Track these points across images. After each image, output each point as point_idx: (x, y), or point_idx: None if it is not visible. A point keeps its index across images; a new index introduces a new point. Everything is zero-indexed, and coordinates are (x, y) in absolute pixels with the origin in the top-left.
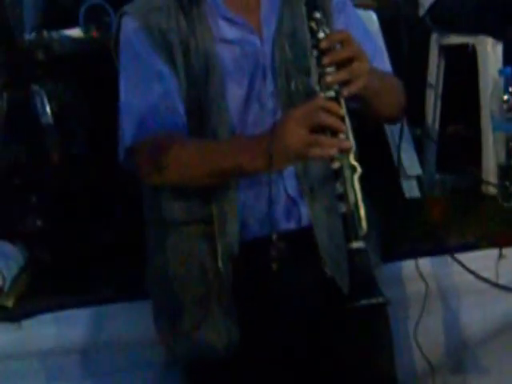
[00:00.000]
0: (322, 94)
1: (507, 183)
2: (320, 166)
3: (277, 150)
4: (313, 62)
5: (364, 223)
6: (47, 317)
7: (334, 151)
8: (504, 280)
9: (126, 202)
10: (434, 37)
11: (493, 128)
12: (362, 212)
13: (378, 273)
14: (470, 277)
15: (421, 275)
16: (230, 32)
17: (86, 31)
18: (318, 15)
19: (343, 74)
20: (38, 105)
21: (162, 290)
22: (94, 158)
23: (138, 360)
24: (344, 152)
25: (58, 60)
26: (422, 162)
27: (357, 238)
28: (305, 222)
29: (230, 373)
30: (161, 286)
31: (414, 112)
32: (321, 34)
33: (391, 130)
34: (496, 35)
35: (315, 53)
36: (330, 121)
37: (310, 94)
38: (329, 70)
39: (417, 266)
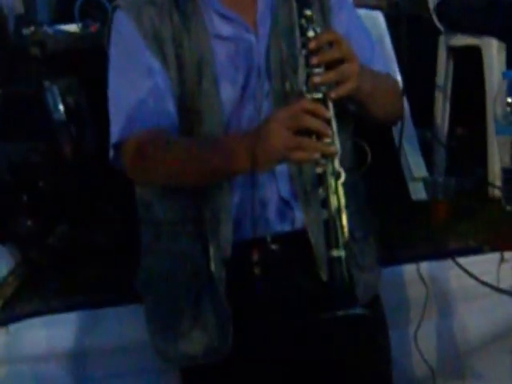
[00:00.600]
0: (308, 96)
1: (511, 186)
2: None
3: (260, 151)
4: (301, 62)
5: (346, 231)
6: (36, 321)
7: (317, 155)
8: (505, 284)
9: (123, 202)
10: (443, 38)
11: (496, 131)
12: (345, 219)
13: (375, 276)
14: (472, 281)
15: (422, 279)
16: (224, 29)
17: (82, 27)
18: (308, 12)
19: (332, 76)
20: (50, 101)
21: (153, 292)
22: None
23: (129, 365)
24: (328, 157)
25: (53, 56)
26: (431, 165)
27: (337, 246)
28: (299, 224)
29: (222, 376)
30: (152, 287)
31: (422, 113)
32: (310, 33)
33: (398, 132)
34: (502, 36)
35: (304, 52)
36: (315, 124)
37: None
38: (317, 70)
39: (418, 270)
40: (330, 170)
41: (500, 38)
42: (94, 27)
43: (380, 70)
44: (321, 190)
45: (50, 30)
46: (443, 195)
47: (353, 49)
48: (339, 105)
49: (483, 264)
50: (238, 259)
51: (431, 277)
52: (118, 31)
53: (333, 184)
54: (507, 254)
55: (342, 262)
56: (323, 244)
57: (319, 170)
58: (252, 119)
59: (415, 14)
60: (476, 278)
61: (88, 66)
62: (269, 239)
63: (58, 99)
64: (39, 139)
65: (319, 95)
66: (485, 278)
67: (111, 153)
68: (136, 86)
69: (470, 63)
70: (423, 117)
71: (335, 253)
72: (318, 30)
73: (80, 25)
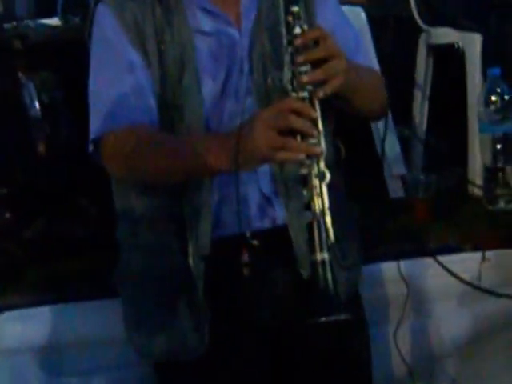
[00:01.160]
0: (293, 95)
1: (493, 185)
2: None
3: (243, 151)
4: (286, 60)
5: (331, 233)
6: (11, 314)
7: (301, 156)
8: (487, 283)
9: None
10: (423, 36)
11: (479, 130)
12: (329, 221)
13: (356, 274)
14: (453, 280)
15: (402, 277)
16: (207, 24)
17: (64, 20)
18: (295, 9)
19: (318, 74)
20: (27, 97)
21: (130, 288)
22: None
23: (106, 359)
24: (313, 157)
25: (34, 49)
26: (408, 162)
27: (322, 250)
28: (279, 221)
29: (197, 372)
30: (130, 283)
31: (401, 111)
32: (297, 30)
33: (377, 129)
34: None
35: (290, 49)
36: (300, 124)
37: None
38: (303, 68)
39: (398, 268)
40: (314, 170)
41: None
42: (74, 21)
43: (364, 64)
44: (305, 192)
45: (31, 23)
46: (423, 193)
47: (339, 45)
48: (324, 101)
49: (464, 263)
50: (217, 256)
51: (411, 275)
52: (100, 25)
53: (317, 185)
54: (488, 253)
55: (326, 265)
56: (304, 241)
57: (304, 170)
58: (233, 115)
59: (396, 11)
60: (457, 277)
61: (69, 59)
62: (248, 235)
63: (35, 96)
64: (14, 135)
65: (305, 94)
66: (466, 277)
67: (90, 147)
68: (117, 81)
69: (450, 61)
70: (402, 115)
71: (319, 256)
72: (305, 26)
73: (62, 19)
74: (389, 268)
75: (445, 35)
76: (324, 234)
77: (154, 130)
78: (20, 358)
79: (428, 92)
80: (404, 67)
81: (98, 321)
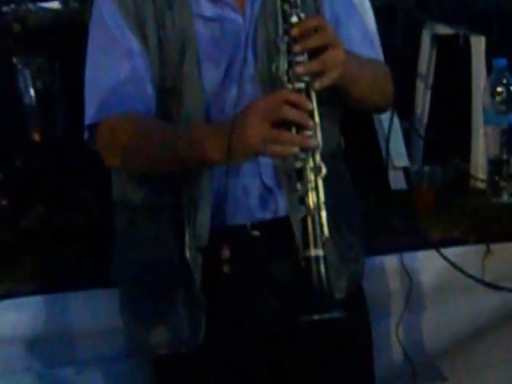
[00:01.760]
0: (289, 86)
1: (497, 178)
2: None
3: (235, 143)
4: (282, 49)
5: (325, 229)
6: (7, 303)
7: (295, 149)
8: (491, 277)
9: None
10: (427, 26)
11: (484, 121)
12: (324, 217)
13: (359, 268)
14: (456, 273)
15: (405, 270)
16: (210, 9)
17: (64, 3)
18: None
19: (315, 65)
20: (21, 84)
21: (127, 279)
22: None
23: (101, 351)
24: (308, 150)
25: (34, 32)
26: (410, 154)
27: (316, 246)
28: (281, 212)
29: (193, 366)
30: (127, 274)
31: (404, 103)
32: (294, 19)
33: (380, 120)
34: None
35: (286, 39)
36: (295, 116)
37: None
38: (300, 58)
39: (401, 261)
40: (310, 164)
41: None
42: (74, 3)
43: (371, 56)
44: (299, 186)
45: (32, 7)
46: (427, 185)
47: (341, 35)
48: (325, 90)
49: (468, 256)
50: (214, 247)
51: (414, 268)
52: (99, 9)
53: (312, 179)
54: (493, 246)
55: (320, 261)
56: None
57: (298, 164)
58: (236, 103)
59: (399, 1)
60: (460, 270)
61: (69, 43)
62: (249, 225)
63: (30, 83)
64: (9, 122)
65: (301, 85)
66: (470, 270)
67: (86, 134)
68: (114, 67)
69: (454, 52)
70: (404, 106)
71: (313, 252)
72: (302, 15)
73: (62, 2)
74: (391, 260)
75: (448, 26)
76: (318, 230)
77: (149, 119)
78: (13, 347)
79: (431, 83)
80: (407, 57)
81: (93, 311)
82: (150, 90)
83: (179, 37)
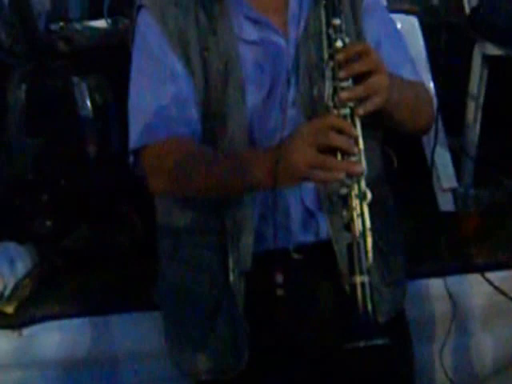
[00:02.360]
0: (334, 111)
1: None
2: None
3: (282, 168)
4: (327, 75)
5: (370, 255)
6: (50, 325)
7: (341, 175)
8: None
9: (143, 205)
10: (478, 46)
11: None
12: (369, 243)
13: (400, 292)
14: (501, 297)
15: (449, 294)
16: (253, 32)
17: (111, 23)
18: (336, 22)
19: (360, 91)
20: (78, 97)
21: (171, 302)
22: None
23: (144, 373)
24: (354, 176)
25: (80, 51)
26: (459, 175)
27: (361, 272)
28: (323, 234)
29: None
30: (170, 297)
31: (453, 123)
32: (339, 44)
33: (429, 140)
34: None
35: (331, 64)
36: (341, 142)
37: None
38: (344, 84)
39: (445, 285)
40: (355, 190)
41: None
42: (123, 24)
43: (411, 78)
44: (345, 212)
45: (78, 26)
46: (473, 207)
47: (382, 60)
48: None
49: None
50: (258, 271)
51: (458, 292)
52: (142, 32)
53: (358, 206)
54: None
55: (366, 288)
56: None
57: (343, 190)
58: (278, 126)
59: (451, 20)
60: (505, 295)
61: (115, 63)
62: (291, 249)
63: (87, 96)
64: (65, 136)
65: (346, 111)
66: None
67: (131, 158)
68: (158, 91)
69: (505, 72)
70: (454, 126)
71: (358, 279)
72: (347, 40)
73: (109, 21)
74: (435, 284)
75: (500, 46)
76: (364, 257)
77: (195, 143)
78: (57, 370)
79: (481, 103)
80: (458, 77)
81: (136, 334)
82: (194, 112)
83: (223, 60)
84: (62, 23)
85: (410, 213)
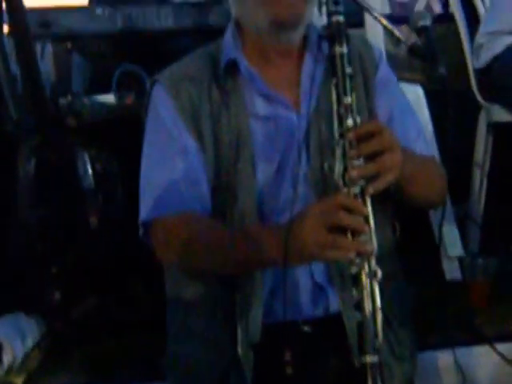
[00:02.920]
0: (345, 190)
1: None
2: None
3: (292, 247)
4: (338, 153)
5: (380, 335)
6: None
7: (351, 254)
8: None
9: (151, 277)
10: (483, 113)
11: None
12: (379, 322)
13: (409, 368)
14: (511, 369)
15: (458, 366)
16: (265, 108)
17: (119, 97)
18: (347, 101)
19: (370, 169)
20: (81, 167)
21: (178, 373)
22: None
23: None
24: (364, 255)
25: (89, 126)
26: (465, 243)
27: (371, 352)
28: (333, 308)
29: None
30: (178, 367)
31: (458, 189)
32: (349, 122)
33: (435, 209)
34: None
35: (341, 142)
36: (351, 221)
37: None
38: (355, 162)
39: (454, 356)
40: (365, 269)
41: None
42: (129, 98)
43: (423, 153)
44: (355, 291)
45: (86, 101)
46: (481, 277)
47: (395, 137)
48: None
49: None
50: (267, 344)
51: (468, 364)
52: (156, 107)
53: (368, 285)
54: None
55: (376, 368)
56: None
57: (354, 269)
58: (289, 201)
59: (456, 87)
60: None
61: (121, 136)
62: (300, 322)
63: (88, 166)
64: (68, 207)
65: (357, 189)
66: None
67: (141, 230)
68: (170, 165)
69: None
70: (460, 193)
71: (368, 359)
72: (358, 119)
73: (116, 95)
74: (444, 356)
75: (506, 113)
76: (374, 336)
77: (205, 219)
78: None
79: (487, 170)
80: (463, 144)
81: None
82: (204, 188)
83: (234, 135)
84: (70, 97)
85: (416, 282)
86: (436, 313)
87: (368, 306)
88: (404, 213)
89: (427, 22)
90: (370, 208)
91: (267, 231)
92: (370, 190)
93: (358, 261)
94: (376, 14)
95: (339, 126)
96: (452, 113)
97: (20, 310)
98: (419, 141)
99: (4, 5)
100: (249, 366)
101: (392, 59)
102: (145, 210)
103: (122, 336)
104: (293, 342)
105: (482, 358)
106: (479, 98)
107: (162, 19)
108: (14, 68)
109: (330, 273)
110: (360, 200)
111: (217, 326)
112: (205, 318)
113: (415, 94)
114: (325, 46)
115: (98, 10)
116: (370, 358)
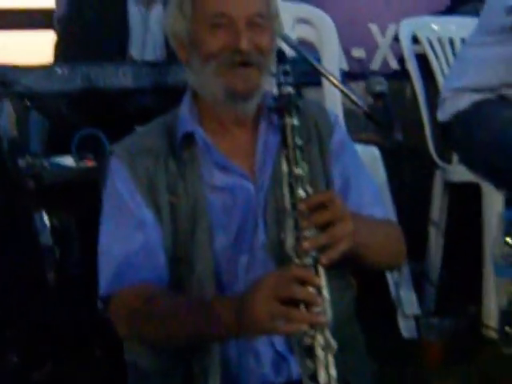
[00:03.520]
0: (297, 261)
1: (508, 329)
2: None
3: (245, 320)
4: (289, 225)
5: None
6: None
7: (304, 327)
8: None
9: (111, 343)
10: (439, 172)
11: (495, 273)
12: None
13: None
14: None
15: None
16: (222, 179)
17: (78, 160)
18: (299, 171)
19: (323, 239)
20: (38, 225)
21: None
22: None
23: None
24: (318, 327)
25: (49, 189)
26: (422, 301)
27: None
28: (295, 375)
29: None
30: None
31: (414, 247)
32: (301, 193)
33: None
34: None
35: (293, 214)
36: (303, 293)
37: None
38: (307, 233)
39: None
40: (319, 341)
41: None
42: (89, 160)
43: (380, 216)
44: (309, 363)
45: (45, 163)
46: (436, 336)
47: (346, 207)
48: None
49: None
50: None
51: None
52: (113, 178)
53: (323, 356)
54: None
55: None
56: None
57: (308, 341)
58: (247, 269)
59: (412, 143)
60: None
61: (80, 198)
62: None
63: (46, 223)
64: (25, 266)
65: (309, 260)
66: None
67: (100, 304)
68: (127, 239)
69: (466, 198)
70: (416, 251)
71: None
72: (309, 190)
73: (76, 157)
74: None
75: (462, 173)
76: None
77: (162, 292)
78: None
79: (443, 229)
80: (419, 202)
81: None
82: (161, 260)
83: (191, 206)
84: (29, 158)
85: (373, 341)
86: (393, 372)
87: (323, 378)
88: (360, 272)
89: (383, 87)
90: (323, 278)
91: (221, 303)
92: (323, 260)
93: (311, 332)
94: (333, 80)
95: (291, 197)
96: (408, 173)
97: None
98: (376, 204)
99: None
100: None
101: (350, 116)
102: (103, 284)
103: None
104: None
105: None
106: (435, 157)
107: (122, 78)
108: None
109: (290, 341)
110: (313, 271)
111: None
112: None
113: (371, 155)
114: (274, 117)
115: (58, 69)
116: None
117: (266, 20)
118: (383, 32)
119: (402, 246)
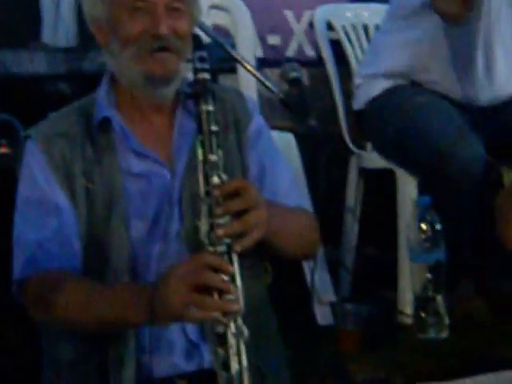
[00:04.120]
0: (210, 248)
1: (423, 314)
2: None
3: (157, 307)
4: (204, 211)
5: None
6: None
7: (216, 314)
8: None
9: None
10: (354, 159)
11: (410, 258)
12: (246, 381)
13: None
14: None
15: None
16: (138, 165)
17: None
18: (214, 158)
19: (236, 227)
20: None
21: None
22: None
23: None
24: (230, 315)
25: None
26: (337, 288)
27: None
28: (207, 364)
29: None
30: None
31: (330, 233)
32: (215, 180)
33: None
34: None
35: (208, 200)
36: (215, 281)
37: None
38: (221, 221)
39: None
40: (231, 329)
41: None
42: (3, 147)
43: (295, 204)
44: (220, 351)
45: None
46: (352, 322)
47: (260, 194)
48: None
49: None
50: None
51: None
52: (28, 163)
53: (234, 344)
54: None
55: None
56: None
57: (220, 328)
58: (162, 258)
59: (328, 130)
60: None
61: None
62: (174, 377)
63: None
64: None
65: (223, 248)
66: None
67: (13, 288)
68: (41, 224)
69: (381, 184)
70: (332, 237)
71: None
72: (224, 177)
73: None
74: None
75: (376, 159)
76: None
77: (75, 277)
78: None
79: (358, 215)
80: (335, 189)
81: None
82: (76, 246)
83: (107, 192)
84: None
85: (288, 328)
86: (308, 358)
87: (234, 366)
88: (275, 258)
89: (298, 74)
90: (236, 266)
91: (134, 290)
92: (237, 248)
93: (224, 320)
94: (248, 67)
95: (205, 183)
96: (323, 159)
97: None
98: (291, 192)
99: None
100: None
101: (265, 103)
102: (17, 268)
103: None
104: None
105: None
106: (350, 143)
107: (36, 64)
108: None
109: (203, 330)
110: (226, 258)
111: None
112: (78, 378)
113: (287, 141)
114: (190, 103)
115: None
116: None
117: (185, 5)
118: (298, 19)
119: (316, 235)
